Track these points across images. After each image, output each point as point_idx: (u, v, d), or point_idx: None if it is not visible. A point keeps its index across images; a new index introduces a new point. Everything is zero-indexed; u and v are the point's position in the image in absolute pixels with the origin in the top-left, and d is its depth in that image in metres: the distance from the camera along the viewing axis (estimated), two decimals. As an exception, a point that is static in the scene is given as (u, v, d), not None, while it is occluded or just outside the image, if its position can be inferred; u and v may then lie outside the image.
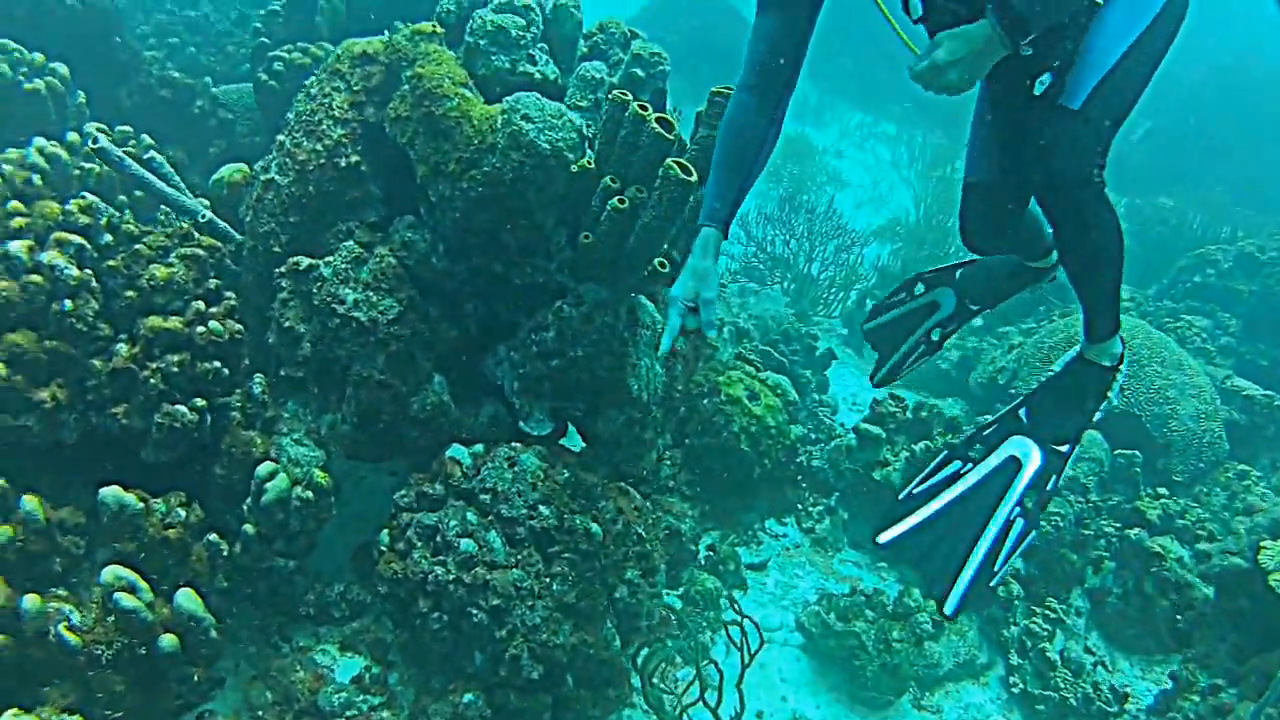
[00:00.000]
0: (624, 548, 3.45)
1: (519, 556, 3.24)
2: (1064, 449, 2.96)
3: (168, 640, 2.81)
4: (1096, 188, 2.51)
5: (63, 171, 4.05)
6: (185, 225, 3.48)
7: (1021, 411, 3.09)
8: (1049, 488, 2.92)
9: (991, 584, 2.82)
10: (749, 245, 7.90)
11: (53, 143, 4.13)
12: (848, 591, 4.37)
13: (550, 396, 3.58)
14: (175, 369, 3.14)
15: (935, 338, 3.62)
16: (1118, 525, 4.66)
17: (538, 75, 3.67)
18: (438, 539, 3.29)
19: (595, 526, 3.33)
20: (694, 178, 3.09)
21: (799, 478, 5.06)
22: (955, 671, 4.19)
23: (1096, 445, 4.97)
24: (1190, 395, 5.22)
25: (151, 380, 3.10)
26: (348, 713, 3.30)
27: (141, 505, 3.01)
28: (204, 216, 3.90)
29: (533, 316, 3.57)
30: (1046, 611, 4.26)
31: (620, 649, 3.38)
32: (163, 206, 4.09)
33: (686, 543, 4.26)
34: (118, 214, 3.31)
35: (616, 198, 3.21)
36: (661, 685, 3.57)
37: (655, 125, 3.17)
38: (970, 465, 3.02)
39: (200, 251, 3.35)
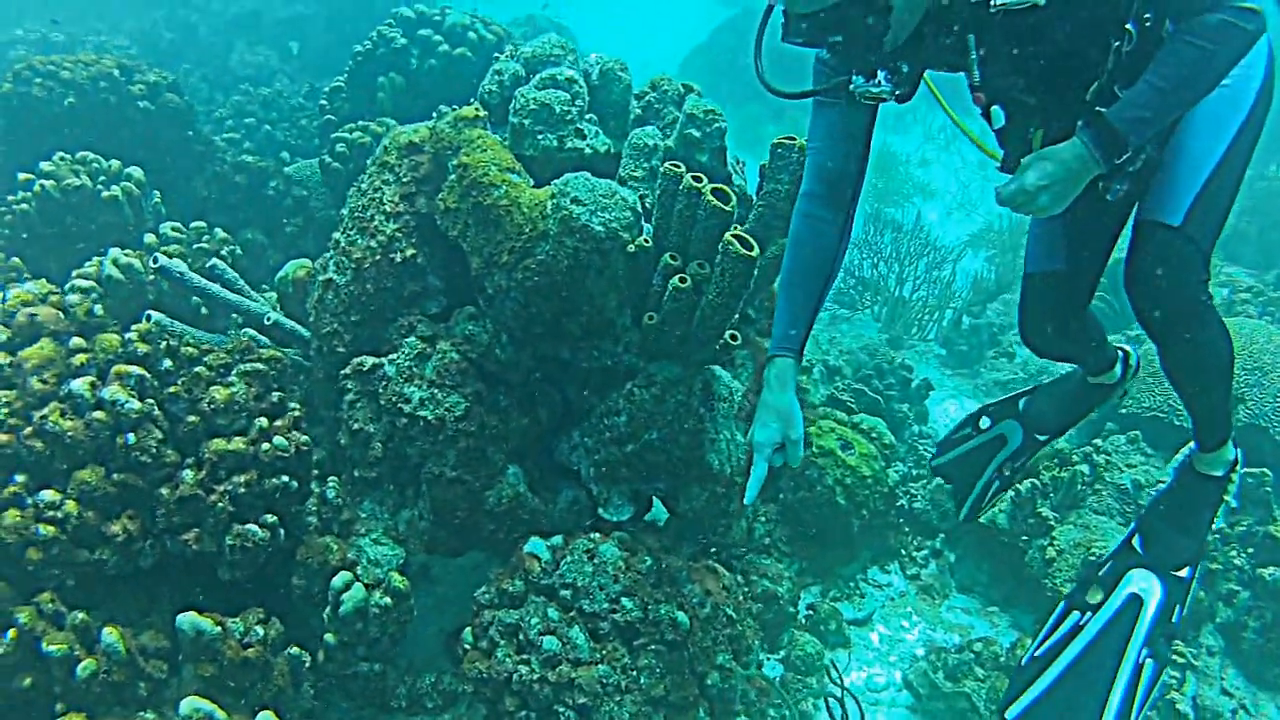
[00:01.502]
0: (713, 631, 3.32)
1: (604, 651, 3.15)
2: (1185, 574, 2.78)
3: None
4: (1205, 306, 2.36)
5: (138, 279, 4.12)
6: (244, 340, 3.49)
7: (1136, 541, 2.90)
8: (1175, 620, 2.73)
9: None
10: (835, 269, 7.67)
11: (127, 252, 4.21)
12: (957, 645, 4.15)
13: (628, 480, 3.47)
14: (242, 489, 3.14)
15: (1008, 473, 3.45)
16: (1250, 552, 4.32)
17: (588, 150, 3.59)
18: (520, 637, 3.22)
19: (682, 615, 3.21)
20: (755, 251, 2.95)
21: (900, 522, 4.85)
22: (1078, 731, 3.93)
23: (1218, 467, 4.63)
24: (1323, 400, 4.83)
25: (219, 504, 3.10)
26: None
27: (218, 629, 3.01)
28: (270, 319, 3.92)
29: (604, 399, 3.47)
30: (1174, 656, 3.96)
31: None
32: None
33: (785, 604, 4.11)
34: (177, 338, 3.33)
35: (678, 276, 3.10)
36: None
37: (711, 198, 3.05)
38: (1089, 614, 2.80)
39: (261, 366, 3.34)
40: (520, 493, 3.45)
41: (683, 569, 3.38)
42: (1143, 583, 2.76)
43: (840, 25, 1.99)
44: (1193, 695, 3.92)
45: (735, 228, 3.48)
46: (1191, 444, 2.84)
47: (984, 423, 3.53)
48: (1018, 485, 4.41)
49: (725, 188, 3.06)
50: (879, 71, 2.15)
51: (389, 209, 3.59)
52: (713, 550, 3.76)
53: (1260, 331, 5.17)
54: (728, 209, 3.02)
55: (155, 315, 3.64)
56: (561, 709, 3.08)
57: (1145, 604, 2.72)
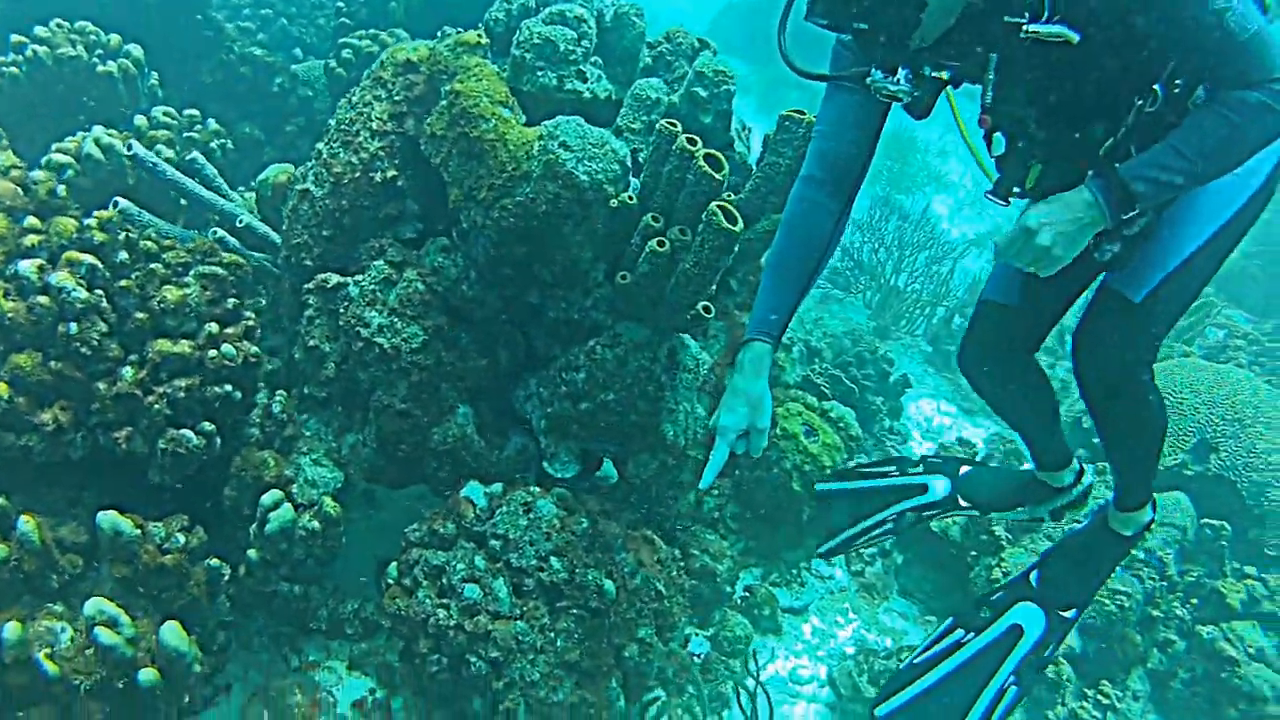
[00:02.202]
0: (640, 604, 3.26)
1: (525, 608, 3.09)
2: (1069, 615, 2.92)
3: (147, 675, 2.75)
4: (1144, 384, 2.39)
5: (118, 162, 3.99)
6: (208, 241, 3.38)
7: (1034, 575, 3.02)
8: (1047, 654, 2.88)
9: None
10: (834, 250, 7.51)
11: (111, 132, 4.08)
12: (887, 650, 4.11)
13: (578, 438, 3.39)
14: (182, 394, 3.05)
15: (908, 520, 3.38)
16: (1194, 603, 4.27)
17: (587, 94, 3.46)
18: (443, 580, 3.16)
19: (609, 583, 3.15)
20: (739, 226, 2.84)
21: (854, 515, 4.77)
22: (995, 753, 3.91)
23: (1182, 510, 4.56)
24: (1298, 462, 4.76)
25: (156, 406, 3.01)
26: (338, 748, 3.23)
27: (137, 531, 2.94)
28: (242, 221, 3.81)
29: (567, 351, 3.38)
30: (1099, 697, 3.93)
31: (624, 709, 3.21)
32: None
33: (721, 583, 4.06)
34: (141, 229, 3.23)
35: (656, 239, 2.99)
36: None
37: (702, 163, 2.93)
38: (971, 635, 2.94)
39: (220, 270, 3.24)
40: (467, 434, 3.37)
41: (619, 536, 3.32)
42: (1028, 616, 2.92)
43: (868, 13, 1.90)
44: (1109, 738, 3.90)
45: (728, 196, 3.38)
46: (1111, 497, 2.88)
47: (913, 468, 3.47)
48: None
49: (719, 154, 2.93)
50: (901, 70, 2.04)
51: (376, 126, 3.46)
52: (655, 520, 3.69)
53: (1246, 384, 5.09)
54: (718, 177, 2.91)
55: (122, 203, 3.52)
56: (474, 659, 3.02)
57: (1025, 635, 2.88)
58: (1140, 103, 2.05)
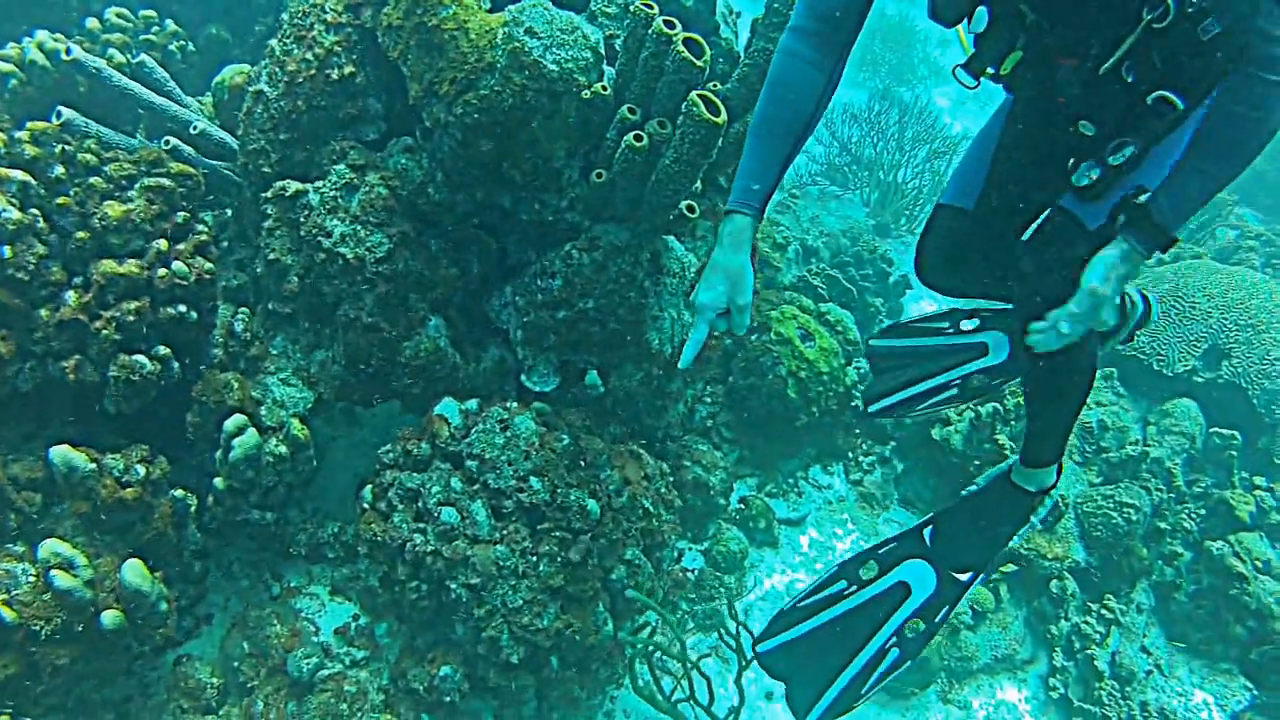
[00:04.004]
0: (626, 523, 3.11)
1: (504, 531, 2.94)
2: (964, 578, 2.69)
3: (110, 617, 2.66)
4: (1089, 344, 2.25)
5: (65, 70, 3.71)
6: (156, 150, 3.14)
7: (926, 532, 2.80)
8: (937, 619, 2.66)
9: (855, 705, 2.63)
10: (831, 145, 7.22)
11: (57, 36, 3.79)
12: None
13: (556, 349, 3.20)
14: (132, 317, 2.86)
15: (975, 384, 3.10)
16: (1201, 514, 4.14)
17: (557, -25, 3.16)
18: (419, 504, 3.01)
19: (592, 503, 2.99)
20: (721, 117, 2.60)
21: (852, 423, 4.62)
22: (991, 665, 3.82)
23: (1189, 418, 4.41)
24: (1312, 369, 4.58)
25: (104, 332, 2.82)
26: (320, 673, 3.12)
27: (93, 465, 2.79)
28: (196, 128, 3.54)
29: (544, 255, 3.17)
30: (1103, 610, 3.82)
31: (612, 633, 3.08)
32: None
33: (715, 495, 3.92)
34: (83, 140, 2.98)
35: (633, 133, 2.75)
36: (661, 662, 3.28)
37: (681, 48, 2.67)
38: (854, 587, 2.74)
39: (167, 182, 3.02)
40: (440, 347, 3.18)
41: (603, 452, 3.14)
42: (917, 574, 2.73)
43: None
44: (1113, 651, 3.80)
45: (712, 86, 3.13)
46: (1015, 456, 2.72)
47: (969, 323, 3.21)
48: (977, 408, 4.18)
49: (699, 39, 2.68)
50: None
51: (330, 19, 3.18)
52: (642, 433, 3.52)
53: (1262, 287, 4.88)
54: (699, 64, 2.66)
55: (66, 113, 3.26)
56: (453, 585, 2.89)
57: (912, 595, 2.69)
58: (1150, 16, 1.82)
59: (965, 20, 2.08)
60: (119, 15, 4.35)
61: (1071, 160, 2.14)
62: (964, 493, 2.91)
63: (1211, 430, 4.43)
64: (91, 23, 4.25)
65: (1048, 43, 2.00)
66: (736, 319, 2.14)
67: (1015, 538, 2.76)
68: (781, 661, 2.72)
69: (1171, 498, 4.15)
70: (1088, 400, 2.48)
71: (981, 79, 2.16)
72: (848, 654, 2.64)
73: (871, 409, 3.18)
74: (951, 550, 2.75)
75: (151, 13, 4.50)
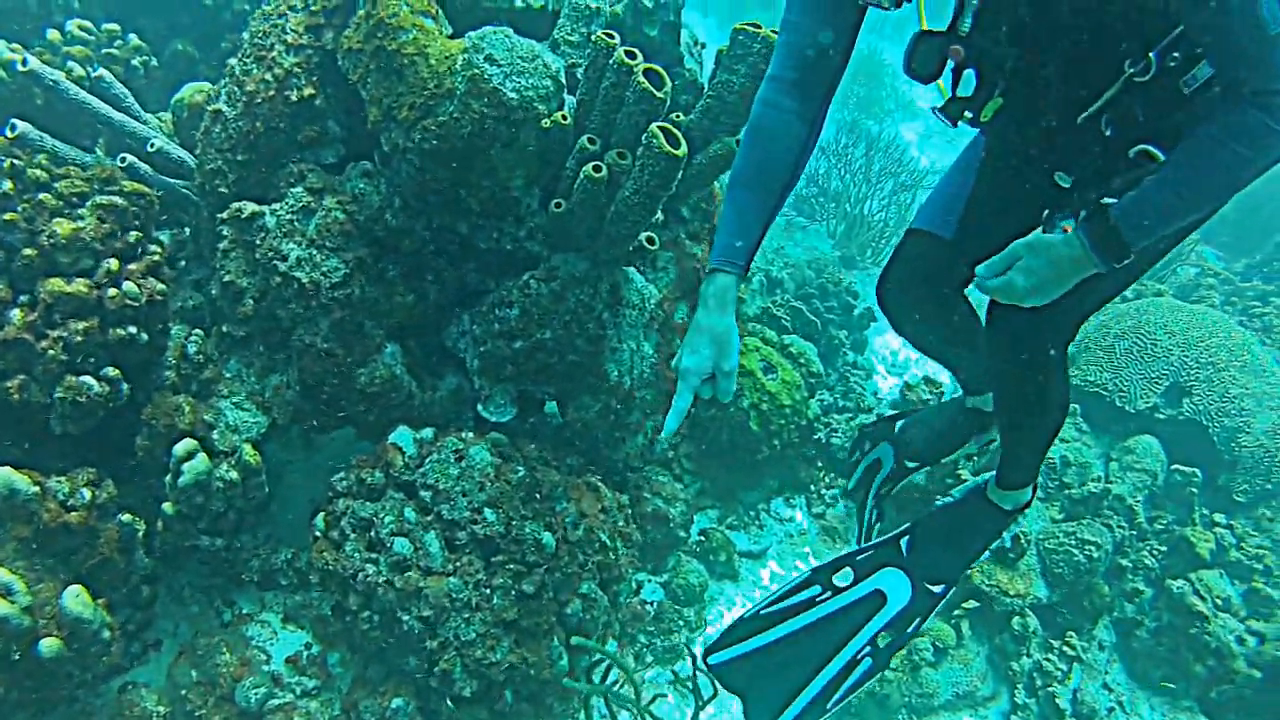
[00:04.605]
0: (582, 556, 3.06)
1: (458, 564, 2.89)
2: (937, 590, 2.66)
3: (47, 646, 2.58)
4: (1055, 361, 2.22)
5: (24, 81, 3.65)
6: (110, 168, 3.08)
7: (904, 541, 2.75)
8: (909, 630, 2.62)
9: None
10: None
11: (14, 47, 3.74)
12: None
13: (513, 379, 3.16)
14: (79, 338, 2.79)
15: (878, 504, 3.16)
16: (1162, 552, 4.14)
17: (519, 2, 3.15)
18: (372, 534, 2.95)
19: (548, 536, 2.94)
20: (681, 150, 2.59)
21: (814, 455, 4.59)
22: (953, 702, 3.79)
23: (1151, 455, 4.42)
24: (1269, 407, 4.60)
25: (51, 352, 2.75)
26: (269, 702, 3.04)
27: (36, 488, 2.71)
28: (153, 145, 3.49)
29: (502, 284, 3.13)
30: (1064, 648, 3.80)
31: (567, 667, 3.03)
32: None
33: (675, 528, 3.87)
34: (36, 155, 2.93)
35: (592, 164, 2.73)
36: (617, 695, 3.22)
37: (642, 79, 2.66)
38: (829, 593, 2.66)
39: (120, 200, 2.95)
40: (396, 374, 3.13)
41: (559, 485, 3.10)
42: (893, 583, 2.68)
43: None
44: (1074, 688, 3.78)
45: (676, 116, 3.12)
46: (991, 473, 2.69)
47: (866, 445, 3.27)
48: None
49: (660, 70, 2.67)
50: None
51: (291, 40, 3.14)
52: (600, 464, 3.47)
53: (1222, 326, 4.92)
54: (659, 95, 2.64)
55: (20, 126, 3.21)
56: (405, 617, 2.84)
57: (888, 604, 2.64)
58: (1130, 71, 1.80)
59: (951, 80, 2.05)
60: (81, 28, 4.30)
61: (1045, 211, 2.10)
62: (939, 503, 2.89)
63: (1173, 467, 4.44)
64: (52, 34, 4.19)
65: (1029, 92, 1.97)
66: (722, 384, 2.05)
67: (985, 554, 2.76)
68: (738, 674, 2.59)
69: (1133, 534, 4.16)
70: (1064, 421, 2.44)
71: (960, 123, 2.13)
72: (816, 664, 2.56)
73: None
74: (927, 562, 2.71)
75: (114, 26, 4.46)
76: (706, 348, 2.02)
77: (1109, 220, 1.80)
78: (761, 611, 2.68)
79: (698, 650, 3.61)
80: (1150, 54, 1.77)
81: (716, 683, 2.68)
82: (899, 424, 3.16)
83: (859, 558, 2.76)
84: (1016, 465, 2.57)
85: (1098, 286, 2.03)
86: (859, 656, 2.56)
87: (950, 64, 2.00)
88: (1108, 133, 1.90)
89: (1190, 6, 1.63)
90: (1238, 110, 1.66)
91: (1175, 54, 1.75)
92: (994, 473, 2.67)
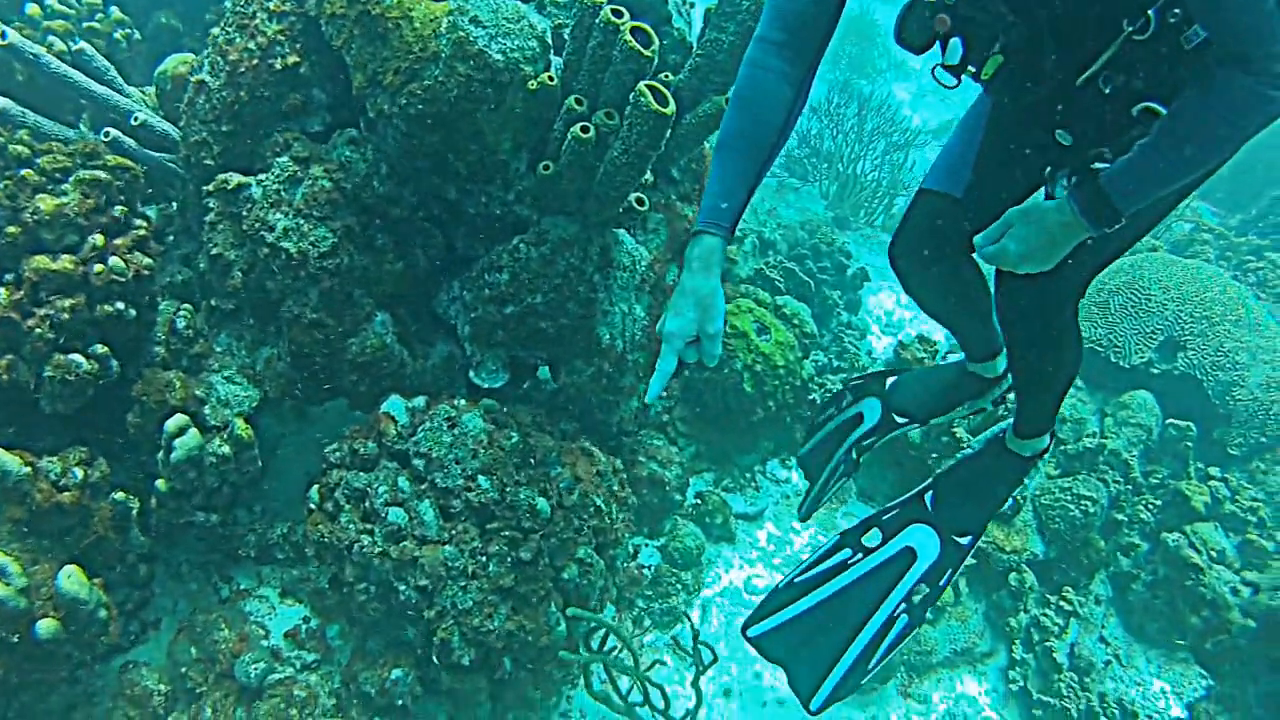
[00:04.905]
0: (578, 521, 3.06)
1: (453, 532, 2.88)
2: (964, 541, 2.69)
3: (45, 627, 2.59)
4: (1066, 322, 2.24)
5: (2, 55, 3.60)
6: (93, 142, 3.04)
7: (927, 496, 2.79)
8: (941, 583, 2.65)
9: (863, 680, 2.59)
10: (790, 137, 7.18)
11: (-17, 22, 3.69)
12: (846, 557, 3.96)
13: (505, 345, 3.14)
14: (66, 315, 2.77)
15: (854, 456, 3.11)
16: (1157, 505, 4.15)
17: (504, -36, 3.09)
18: (366, 504, 2.94)
19: (542, 502, 2.94)
20: (670, 108, 2.55)
21: (809, 416, 4.58)
22: (951, 659, 3.81)
23: (1146, 410, 4.42)
24: (1263, 361, 4.59)
25: (38, 330, 2.73)
26: (269, 677, 3.05)
27: (27, 469, 2.70)
28: (137, 119, 3.45)
29: (491, 249, 3.11)
30: (1061, 603, 3.82)
31: (565, 633, 3.03)
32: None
33: (671, 491, 3.87)
34: (5, 133, 2.89)
35: (580, 125, 2.70)
36: (617, 660, 3.23)
37: (629, 38, 2.62)
38: (860, 555, 2.70)
39: (103, 175, 2.92)
40: (387, 343, 3.11)
41: (553, 450, 3.09)
42: (922, 539, 2.71)
43: None
44: (1071, 642, 3.80)
45: (665, 76, 3.08)
46: (1009, 422, 2.71)
47: (845, 400, 3.22)
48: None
49: (647, 29, 2.63)
50: None
51: (274, 6, 3.09)
52: (594, 429, 3.47)
53: (1216, 280, 4.90)
54: (646, 53, 2.61)
55: (1, 102, 3.17)
56: (402, 587, 2.84)
57: (918, 559, 2.67)
58: (1129, 29, 1.75)
59: (942, 48, 1.96)
60: (61, 1, 4.24)
61: (1048, 169, 2.07)
62: (960, 455, 2.93)
63: (1168, 422, 4.45)
64: (32, 8, 4.13)
65: (1027, 51, 1.91)
66: (707, 348, 2.02)
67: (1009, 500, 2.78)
68: (778, 644, 2.64)
69: (1128, 489, 4.16)
70: (1077, 374, 2.45)
71: (962, 79, 2.05)
72: (854, 626, 2.59)
73: (803, 516, 3.25)
74: (952, 514, 2.74)
75: (96, -1, 4.40)
76: (691, 310, 1.99)
77: (1099, 185, 1.78)
78: (795, 580, 2.72)
79: (695, 615, 3.64)
80: (1149, 11, 1.72)
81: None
82: (889, 380, 3.15)
83: (885, 517, 2.79)
84: (1033, 415, 2.59)
85: (1102, 246, 2.02)
86: (895, 614, 2.58)
87: (939, 33, 1.97)
88: (1107, 90, 1.86)
89: None
90: (1226, 73, 1.62)
91: (1175, 9, 1.71)
92: (1011, 422, 2.68)
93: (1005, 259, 1.94)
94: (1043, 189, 2.09)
